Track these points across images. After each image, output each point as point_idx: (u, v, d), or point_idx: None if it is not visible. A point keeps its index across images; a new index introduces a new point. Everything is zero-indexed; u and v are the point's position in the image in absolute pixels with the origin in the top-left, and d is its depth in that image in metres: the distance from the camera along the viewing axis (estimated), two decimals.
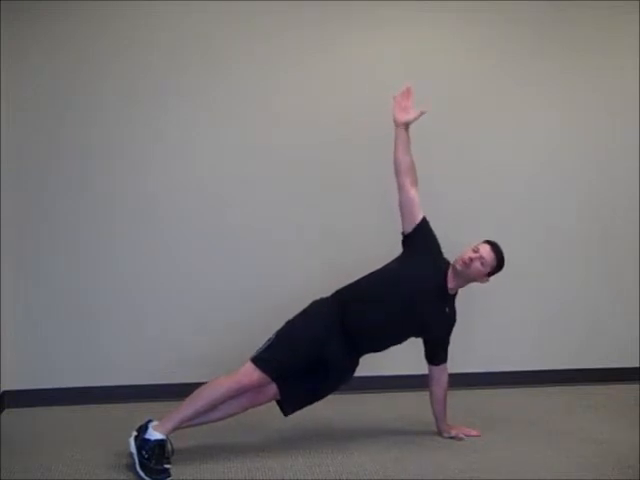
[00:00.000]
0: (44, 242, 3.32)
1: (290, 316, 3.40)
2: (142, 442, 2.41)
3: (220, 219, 3.44)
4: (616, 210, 3.75)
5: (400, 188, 2.80)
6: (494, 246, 2.76)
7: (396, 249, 3.56)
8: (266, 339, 2.65)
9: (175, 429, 2.49)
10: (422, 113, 2.75)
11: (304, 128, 3.47)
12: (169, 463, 2.44)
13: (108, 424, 3.02)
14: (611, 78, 3.70)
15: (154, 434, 2.42)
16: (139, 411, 3.18)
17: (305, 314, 2.70)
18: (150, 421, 2.50)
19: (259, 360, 2.56)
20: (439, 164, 3.59)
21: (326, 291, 3.48)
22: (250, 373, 2.53)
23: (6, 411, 3.22)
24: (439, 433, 2.84)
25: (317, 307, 2.72)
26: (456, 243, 3.61)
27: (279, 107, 3.45)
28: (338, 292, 2.77)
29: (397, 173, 2.79)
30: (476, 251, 2.72)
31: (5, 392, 3.27)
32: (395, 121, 2.78)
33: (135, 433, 2.47)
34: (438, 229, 3.59)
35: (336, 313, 2.66)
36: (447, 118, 3.58)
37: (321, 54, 3.47)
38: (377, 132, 3.51)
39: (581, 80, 3.68)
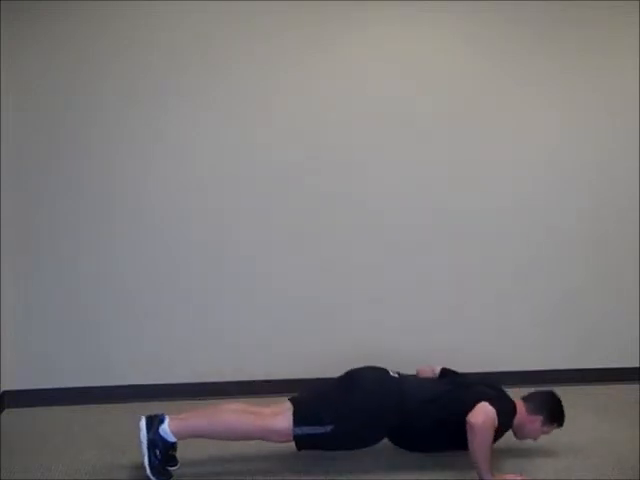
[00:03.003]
0: (44, 242, 3.32)
1: (288, 314, 3.41)
2: (157, 437, 2.34)
3: (220, 219, 3.44)
4: (616, 210, 3.74)
5: None
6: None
7: (395, 248, 3.57)
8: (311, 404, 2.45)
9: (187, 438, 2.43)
10: None
11: (304, 128, 3.46)
12: (175, 463, 2.45)
13: (108, 424, 3.02)
14: (611, 78, 3.70)
15: (170, 436, 2.36)
16: (139, 411, 3.19)
17: (369, 412, 2.43)
18: (164, 417, 2.40)
19: (301, 441, 2.40)
20: (439, 164, 3.59)
21: (326, 291, 3.49)
22: (284, 435, 2.39)
23: (6, 411, 3.23)
24: None
25: (382, 403, 2.45)
26: (456, 243, 3.63)
27: (279, 107, 3.45)
28: (404, 400, 2.47)
29: None
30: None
31: (5, 392, 3.28)
32: None
33: (146, 420, 2.38)
34: (438, 229, 3.61)
35: (397, 418, 2.47)
36: (447, 118, 3.58)
37: (321, 54, 3.47)
38: (377, 132, 3.53)
39: (581, 80, 3.68)
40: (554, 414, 2.61)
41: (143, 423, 2.37)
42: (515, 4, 3.57)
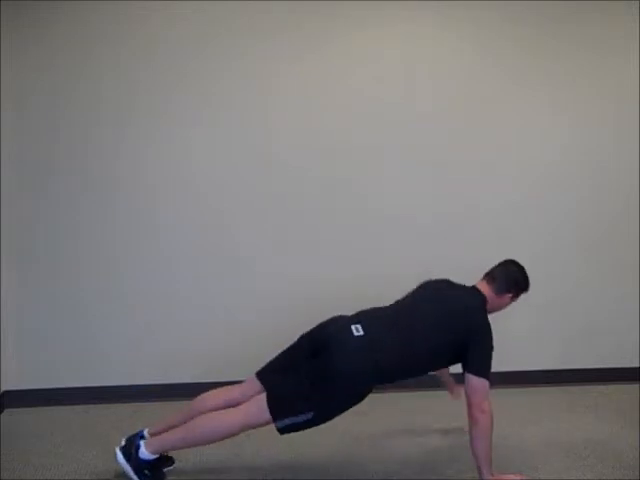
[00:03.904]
0: (44, 242, 3.32)
1: (288, 315, 3.40)
2: (140, 462, 2.30)
3: (219, 219, 3.44)
4: (616, 210, 3.74)
5: None
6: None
7: (394, 248, 3.58)
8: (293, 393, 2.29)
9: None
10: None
11: (304, 128, 3.46)
12: (171, 463, 2.46)
13: (108, 424, 3.02)
14: (611, 78, 3.69)
15: (150, 455, 2.32)
16: (139, 411, 3.20)
17: (347, 389, 2.27)
18: (142, 437, 2.38)
19: (285, 430, 2.26)
20: (439, 164, 3.59)
21: (327, 292, 3.49)
22: (264, 424, 2.27)
23: (6, 411, 3.23)
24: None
25: (357, 378, 2.27)
26: (457, 243, 3.63)
27: (279, 107, 3.45)
28: (375, 349, 2.28)
29: None
30: None
31: (5, 392, 3.28)
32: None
33: (122, 452, 2.34)
34: (439, 229, 3.61)
35: (374, 375, 2.31)
36: (447, 118, 3.58)
37: (321, 54, 3.46)
38: (377, 132, 3.53)
39: (582, 80, 3.67)
40: (521, 285, 2.57)
41: (120, 456, 2.33)
42: (516, 4, 3.57)
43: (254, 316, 3.48)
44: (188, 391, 3.30)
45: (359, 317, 2.38)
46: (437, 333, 2.33)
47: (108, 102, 3.32)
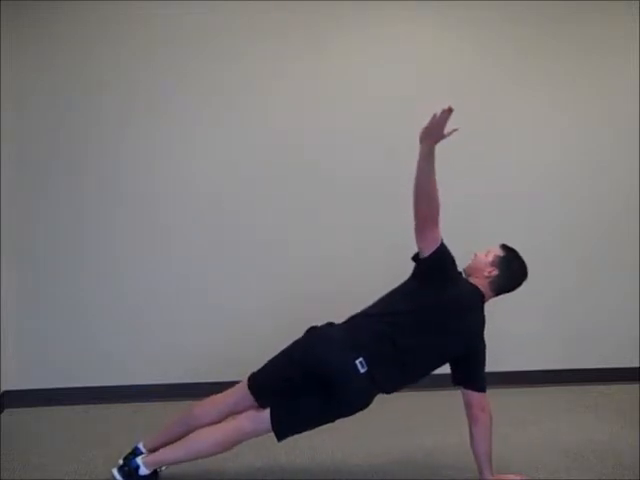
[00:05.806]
0: (44, 242, 3.32)
1: (289, 313, 3.40)
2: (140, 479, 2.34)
3: (220, 219, 3.44)
4: (616, 210, 3.74)
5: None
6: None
7: (394, 248, 3.57)
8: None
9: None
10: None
11: (304, 128, 3.46)
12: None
13: (108, 424, 3.02)
14: (611, 78, 3.69)
15: (146, 471, 2.35)
16: (139, 411, 3.20)
17: (351, 410, 2.30)
18: (138, 453, 2.39)
19: (283, 435, 2.29)
20: (439, 164, 3.58)
21: (327, 290, 3.48)
22: (261, 434, 2.31)
23: (6, 411, 3.23)
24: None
25: (361, 404, 2.29)
26: (456, 243, 3.62)
27: (279, 107, 3.45)
28: (380, 383, 2.29)
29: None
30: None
31: (5, 392, 3.28)
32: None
33: (122, 474, 2.35)
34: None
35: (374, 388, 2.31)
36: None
37: (321, 54, 3.46)
38: (377, 133, 3.53)
39: (582, 80, 3.67)
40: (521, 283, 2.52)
41: (120, 478, 2.34)
42: (517, 4, 3.57)
43: (254, 316, 3.48)
44: (188, 391, 3.31)
45: (356, 345, 2.26)
46: (439, 358, 2.38)
47: (108, 102, 3.32)
